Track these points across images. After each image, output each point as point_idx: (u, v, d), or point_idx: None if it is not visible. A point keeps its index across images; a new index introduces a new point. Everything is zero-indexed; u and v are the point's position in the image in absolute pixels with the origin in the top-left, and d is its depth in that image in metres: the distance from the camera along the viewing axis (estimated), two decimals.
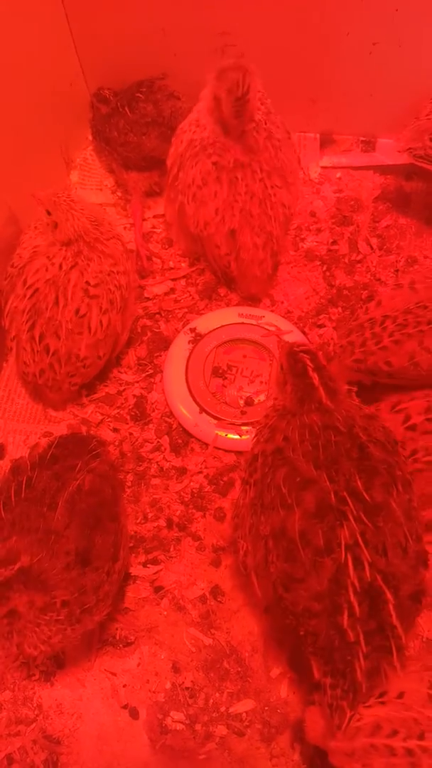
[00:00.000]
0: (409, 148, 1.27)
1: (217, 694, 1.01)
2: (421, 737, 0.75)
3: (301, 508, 0.80)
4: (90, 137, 1.55)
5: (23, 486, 0.91)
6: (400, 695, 0.80)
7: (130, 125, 1.41)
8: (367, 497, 0.80)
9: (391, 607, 0.78)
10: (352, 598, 0.77)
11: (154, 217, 1.46)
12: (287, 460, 0.83)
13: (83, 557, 0.87)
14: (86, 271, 1.12)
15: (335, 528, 0.79)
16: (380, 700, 0.82)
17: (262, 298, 1.35)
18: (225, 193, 1.19)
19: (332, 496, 0.79)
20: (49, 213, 1.09)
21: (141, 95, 1.40)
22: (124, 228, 1.45)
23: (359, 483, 0.80)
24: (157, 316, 1.34)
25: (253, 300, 1.35)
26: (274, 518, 0.83)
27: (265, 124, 1.19)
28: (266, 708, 1.00)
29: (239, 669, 1.03)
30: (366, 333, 1.07)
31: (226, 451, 1.20)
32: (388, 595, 0.78)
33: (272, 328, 1.28)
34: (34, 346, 1.14)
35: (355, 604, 0.77)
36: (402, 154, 1.29)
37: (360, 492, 0.80)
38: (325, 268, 1.39)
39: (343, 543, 0.78)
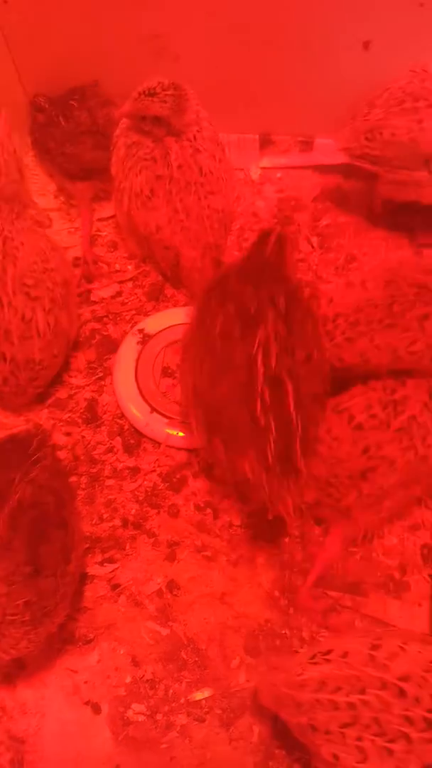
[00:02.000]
0: (347, 148, 1.31)
1: (177, 684, 1.04)
2: (362, 692, 0.81)
3: (223, 313, 0.97)
4: (30, 143, 1.55)
5: None
6: (344, 655, 0.85)
7: (66, 136, 1.41)
8: (283, 310, 0.95)
9: (290, 398, 0.92)
10: (261, 387, 0.92)
11: (99, 220, 1.48)
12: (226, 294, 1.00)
13: (33, 568, 0.88)
14: (18, 264, 1.12)
15: (252, 327, 0.94)
16: (326, 657, 0.87)
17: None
18: (167, 208, 1.24)
19: (254, 305, 0.95)
20: None
21: (74, 103, 1.41)
22: (68, 232, 1.46)
23: (281, 300, 0.95)
24: (105, 319, 1.36)
25: (166, 297, 1.39)
26: (206, 341, 0.99)
27: (196, 131, 1.22)
28: (224, 694, 1.04)
29: (197, 659, 1.06)
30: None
31: (178, 449, 1.23)
32: (289, 387, 0.92)
33: None
34: None
35: (266, 393, 0.92)
36: (340, 154, 1.34)
37: (280, 306, 0.95)
38: None
39: (257, 338, 0.93)
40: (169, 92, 1.17)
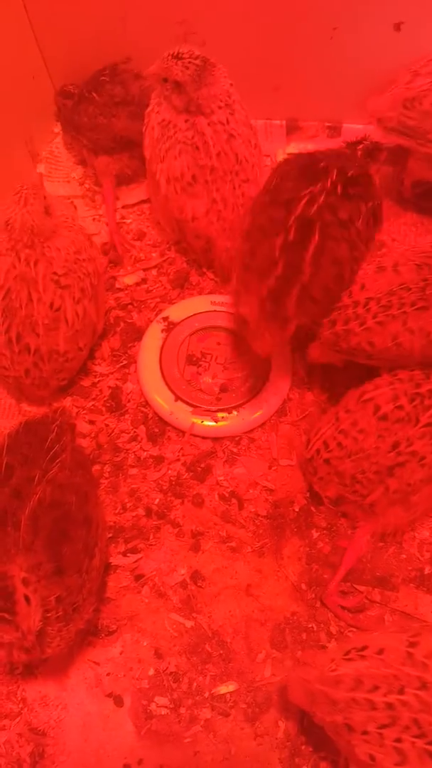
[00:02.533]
0: (381, 118, 1.25)
1: (201, 678, 1.02)
2: (401, 692, 0.77)
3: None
4: (56, 130, 1.54)
5: None
6: (380, 651, 0.82)
7: (99, 108, 1.40)
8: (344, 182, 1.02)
9: (312, 245, 1.00)
10: (291, 222, 0.99)
11: (123, 207, 1.46)
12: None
13: (57, 566, 0.86)
14: (53, 263, 1.11)
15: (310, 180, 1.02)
16: (361, 654, 0.84)
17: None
18: (206, 197, 1.23)
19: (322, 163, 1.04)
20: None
21: (106, 78, 1.40)
22: (93, 219, 1.44)
23: (348, 174, 1.03)
24: (130, 306, 1.34)
25: (191, 285, 1.37)
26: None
27: (228, 114, 1.19)
28: (250, 688, 1.01)
29: (221, 651, 1.03)
30: (349, 313, 1.06)
31: (202, 437, 1.21)
32: (316, 235, 1.00)
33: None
34: (12, 347, 1.12)
35: (292, 230, 0.99)
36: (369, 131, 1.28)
37: (344, 175, 1.03)
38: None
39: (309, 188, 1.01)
40: (195, 61, 1.14)
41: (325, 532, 1.13)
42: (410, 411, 1.00)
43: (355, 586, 1.08)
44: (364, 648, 0.83)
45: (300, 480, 1.16)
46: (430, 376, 1.03)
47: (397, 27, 1.30)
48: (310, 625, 1.05)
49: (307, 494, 1.15)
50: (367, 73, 1.35)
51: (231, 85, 1.21)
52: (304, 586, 1.08)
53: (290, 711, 0.99)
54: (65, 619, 0.87)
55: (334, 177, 1.02)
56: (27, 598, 0.78)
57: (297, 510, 1.14)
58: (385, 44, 1.32)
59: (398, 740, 0.75)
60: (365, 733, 0.78)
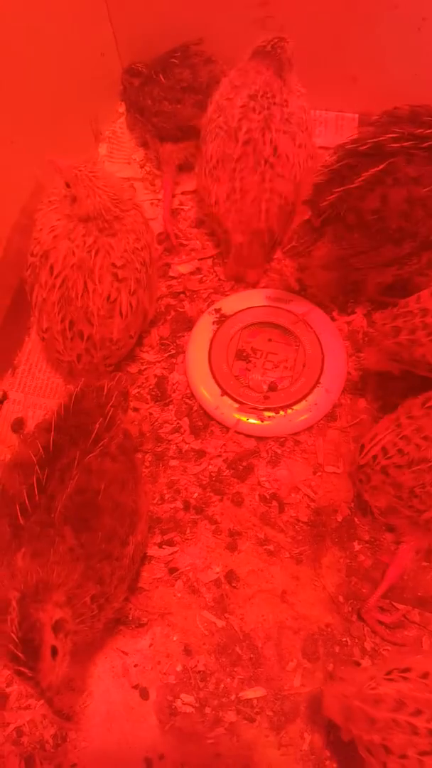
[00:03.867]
0: None
1: (228, 680, 1.00)
2: None
3: None
4: (120, 110, 1.51)
5: (35, 490, 0.85)
6: (425, 675, 0.79)
7: (165, 92, 1.36)
8: None
9: None
10: None
11: (182, 194, 1.43)
12: None
13: (84, 552, 0.84)
14: (111, 253, 1.08)
15: None
16: (404, 675, 0.81)
17: (253, 281, 1.31)
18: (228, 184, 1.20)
19: None
20: (68, 185, 1.05)
21: (176, 60, 1.36)
22: (151, 204, 1.42)
23: None
24: (182, 295, 1.32)
25: (241, 282, 1.33)
26: None
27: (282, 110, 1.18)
28: (277, 696, 0.99)
29: (251, 655, 1.02)
30: (416, 321, 1.02)
31: (246, 435, 1.18)
32: None
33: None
34: (66, 334, 1.11)
35: None
36: None
37: None
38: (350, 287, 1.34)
39: None
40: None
41: (367, 545, 1.09)
42: None
43: (394, 603, 1.05)
44: (407, 670, 0.80)
45: (345, 489, 1.13)
46: None
47: None
48: (344, 639, 1.03)
49: (352, 504, 1.12)
50: None
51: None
52: (341, 599, 1.05)
53: (317, 724, 0.97)
54: (99, 613, 0.86)
55: None
56: (54, 650, 0.74)
57: (340, 520, 1.11)
58: None
59: None
60: (404, 756, 0.75)
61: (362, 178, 1.07)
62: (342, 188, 1.08)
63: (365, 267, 1.18)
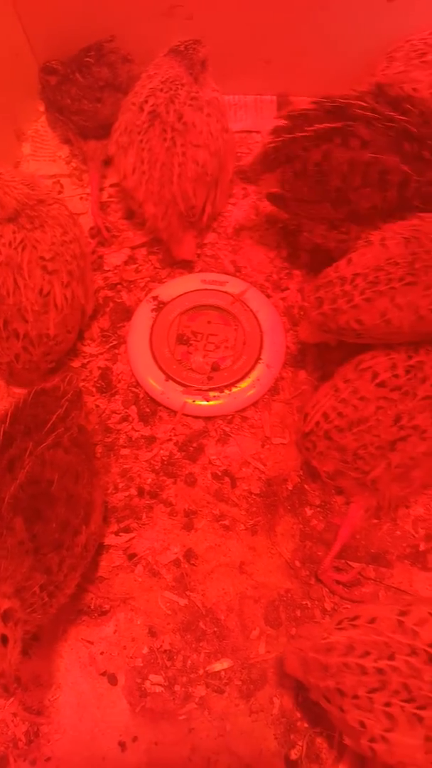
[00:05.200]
0: None
1: (195, 655, 1.02)
2: (391, 658, 0.78)
3: None
4: (41, 108, 1.51)
5: None
6: (372, 620, 0.82)
7: (83, 91, 1.37)
8: None
9: None
10: None
11: (111, 186, 1.44)
12: None
13: (33, 545, 0.85)
14: (39, 246, 1.08)
15: None
16: (353, 623, 0.84)
17: (190, 260, 1.33)
18: (134, 158, 1.22)
19: None
20: None
21: (91, 59, 1.37)
22: (80, 198, 1.42)
23: None
24: (119, 286, 1.32)
25: (181, 265, 1.33)
26: None
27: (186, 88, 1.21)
28: (244, 665, 1.01)
29: (215, 629, 1.03)
30: (336, 290, 1.05)
31: (194, 417, 1.20)
32: None
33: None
34: (1, 335, 1.10)
35: None
36: None
37: None
38: (288, 232, 1.38)
39: None
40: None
41: (318, 509, 1.12)
42: (405, 383, 0.99)
43: (349, 562, 1.08)
44: (356, 618, 0.84)
45: (293, 458, 1.16)
46: (418, 350, 1.02)
47: None
48: (304, 602, 1.05)
49: (301, 472, 1.15)
50: (361, 45, 1.33)
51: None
52: (297, 563, 1.08)
53: (285, 687, 0.99)
54: (50, 600, 0.86)
55: None
56: (4, 639, 0.75)
57: (290, 488, 1.14)
58: (378, 16, 1.30)
59: (388, 704, 0.76)
60: (356, 697, 0.78)
61: (313, 128, 1.12)
62: (291, 135, 1.14)
63: (302, 216, 1.21)
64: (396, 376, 0.99)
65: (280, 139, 1.17)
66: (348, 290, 1.02)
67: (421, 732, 0.74)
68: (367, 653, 0.79)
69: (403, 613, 0.80)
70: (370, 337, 1.05)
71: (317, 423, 1.05)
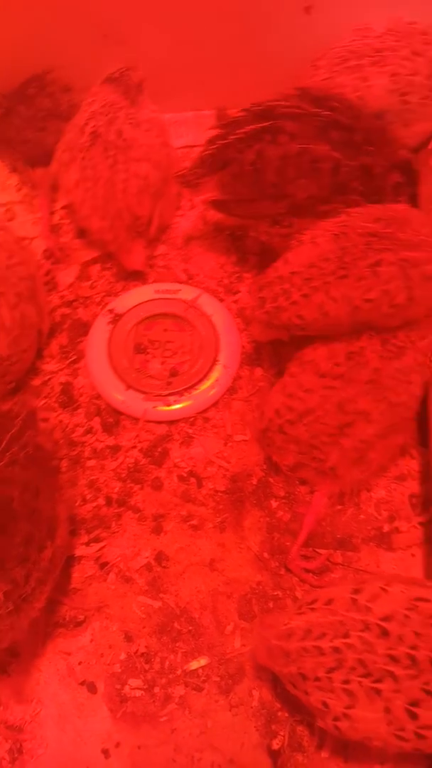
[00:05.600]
0: None
1: (172, 656, 1.02)
2: (346, 636, 0.79)
3: None
4: None
5: None
6: (329, 602, 0.84)
7: (27, 122, 1.41)
8: None
9: None
10: None
11: (62, 208, 1.47)
12: None
13: None
14: None
15: None
16: (311, 607, 0.86)
17: (141, 271, 1.36)
18: (77, 175, 1.27)
19: None
20: None
21: (33, 90, 1.41)
22: (33, 223, 1.45)
23: None
24: (75, 303, 1.35)
25: (135, 277, 1.37)
26: None
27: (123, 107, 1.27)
28: (221, 661, 1.02)
29: (191, 628, 1.04)
30: (276, 289, 1.09)
31: (157, 422, 1.22)
32: None
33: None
34: None
35: None
36: None
37: None
38: (235, 237, 1.42)
39: None
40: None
41: (283, 500, 1.14)
42: (347, 370, 1.02)
43: (316, 550, 1.10)
44: (314, 601, 0.85)
45: (255, 453, 1.18)
46: (360, 336, 1.05)
47: (308, 10, 1.34)
48: (276, 593, 1.06)
49: (264, 466, 1.17)
50: (287, 56, 1.37)
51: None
52: (266, 555, 1.09)
53: (263, 679, 1.00)
54: (16, 612, 0.87)
55: None
56: None
57: (255, 482, 1.16)
58: (298, 27, 1.36)
59: (346, 681, 0.77)
60: (317, 679, 0.79)
61: (244, 131, 1.17)
62: (224, 141, 1.19)
63: (246, 216, 1.26)
64: (337, 365, 1.03)
65: (215, 146, 1.22)
66: (287, 288, 1.06)
67: (380, 705, 0.76)
68: (324, 634, 0.81)
69: (356, 591, 0.82)
70: (314, 329, 1.09)
71: (270, 419, 1.08)
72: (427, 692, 0.75)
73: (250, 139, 1.18)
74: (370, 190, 1.17)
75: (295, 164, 1.16)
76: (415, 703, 0.75)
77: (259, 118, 1.18)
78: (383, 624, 0.78)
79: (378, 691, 0.76)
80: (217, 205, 1.28)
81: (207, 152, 1.23)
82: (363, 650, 0.77)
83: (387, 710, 0.76)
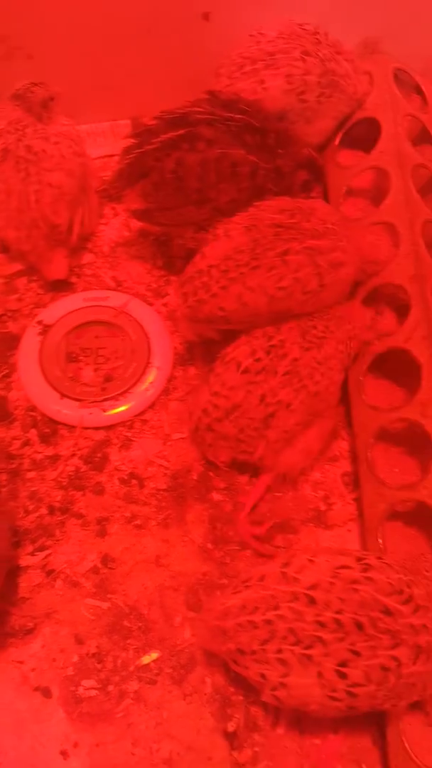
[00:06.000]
0: None
1: (124, 653, 1.04)
2: (276, 608, 0.83)
3: None
4: None
5: None
6: (261, 578, 0.88)
7: None
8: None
9: None
10: None
11: None
12: None
13: None
14: None
15: None
16: (245, 584, 0.90)
17: (64, 279, 1.37)
18: None
19: None
20: None
21: None
22: None
23: None
24: (4, 317, 1.36)
25: (63, 287, 1.38)
26: None
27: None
28: (172, 653, 1.04)
29: (140, 624, 1.06)
30: (196, 283, 1.12)
31: (95, 429, 1.24)
32: None
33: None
34: None
35: None
36: None
37: None
38: (161, 242, 1.45)
39: None
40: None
41: (225, 492, 1.18)
42: (268, 363, 1.07)
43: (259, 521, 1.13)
44: (248, 579, 0.89)
45: (194, 450, 1.21)
46: (280, 329, 1.10)
47: (206, 17, 1.38)
48: (222, 581, 1.10)
49: (203, 461, 1.20)
50: (194, 61, 1.42)
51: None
52: (210, 546, 1.12)
53: (215, 666, 1.03)
54: None
55: None
56: None
57: (195, 478, 1.19)
58: (199, 34, 1.41)
59: (279, 651, 0.81)
60: (253, 652, 0.83)
61: (159, 139, 1.20)
62: (140, 150, 1.22)
63: (170, 224, 1.29)
64: (258, 360, 1.07)
65: (132, 155, 1.25)
66: (206, 281, 1.10)
67: (312, 670, 0.80)
68: (256, 608, 0.84)
69: (285, 565, 0.87)
70: (237, 321, 1.13)
71: (199, 418, 1.11)
72: (354, 652, 0.79)
73: (167, 147, 1.21)
74: (282, 190, 1.22)
75: (215, 169, 1.20)
76: (343, 664, 0.79)
77: (174, 125, 1.22)
78: (310, 593, 0.82)
79: (309, 657, 0.80)
80: (140, 214, 1.32)
81: (124, 163, 1.26)
82: (293, 619, 0.81)
83: (319, 675, 0.80)
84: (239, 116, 1.20)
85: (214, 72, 1.33)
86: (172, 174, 1.22)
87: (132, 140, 1.27)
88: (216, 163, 1.19)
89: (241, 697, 1.01)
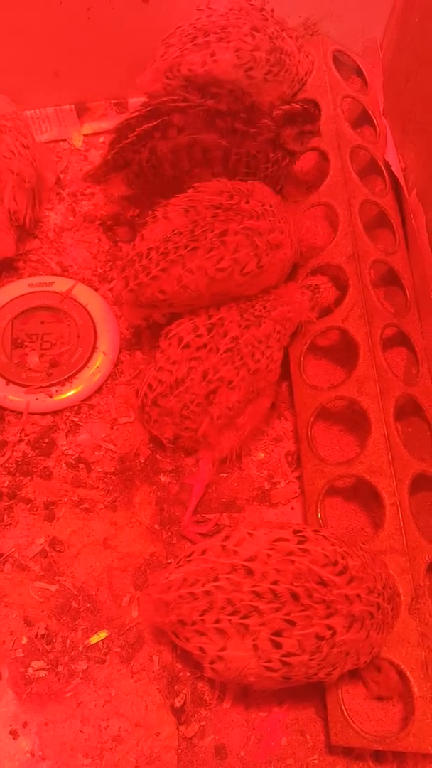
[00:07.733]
0: (150, 93, 1.33)
1: (73, 634, 1.06)
2: (215, 579, 0.86)
3: None
4: None
5: None
6: (203, 552, 0.90)
7: None
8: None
9: None
10: None
11: None
12: None
13: None
14: None
15: None
16: (188, 559, 0.92)
17: (11, 257, 1.38)
18: None
19: None
20: None
21: None
22: None
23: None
24: None
25: (8, 273, 1.38)
26: None
27: None
28: (120, 632, 1.06)
29: (89, 605, 1.08)
30: (136, 266, 1.12)
31: (42, 414, 1.24)
32: None
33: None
34: None
35: None
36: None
37: None
38: (107, 227, 1.45)
39: None
40: None
41: (171, 474, 1.19)
42: (209, 340, 1.08)
43: (205, 515, 1.16)
44: (191, 554, 0.91)
45: (142, 433, 1.22)
46: (221, 308, 1.11)
47: (145, 1, 1.38)
48: (168, 561, 1.12)
49: (151, 444, 1.22)
50: (137, 43, 1.41)
51: None
52: (157, 527, 1.14)
53: (162, 644, 1.05)
54: None
55: None
56: None
57: (143, 461, 1.20)
58: (139, 17, 1.39)
59: (217, 621, 0.83)
60: (193, 623, 0.85)
61: (135, 133, 1.22)
62: (119, 144, 1.24)
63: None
64: (199, 336, 1.08)
65: (114, 150, 1.27)
66: (146, 264, 1.10)
67: (249, 641, 0.83)
68: (197, 580, 0.87)
69: (226, 538, 0.89)
70: (179, 304, 1.14)
71: (145, 394, 1.12)
72: (289, 622, 0.82)
73: (143, 138, 1.22)
74: (252, 172, 1.23)
75: (187, 155, 1.21)
76: (278, 633, 0.82)
77: (148, 118, 1.23)
78: (248, 564, 0.84)
79: (246, 627, 0.82)
80: (130, 200, 1.34)
81: (108, 156, 1.29)
82: (231, 590, 0.84)
83: (255, 647, 0.82)
84: (210, 101, 1.20)
85: (163, 41, 1.31)
86: (147, 163, 1.23)
87: (113, 135, 1.30)
88: (188, 150, 1.20)
89: (188, 674, 1.04)
